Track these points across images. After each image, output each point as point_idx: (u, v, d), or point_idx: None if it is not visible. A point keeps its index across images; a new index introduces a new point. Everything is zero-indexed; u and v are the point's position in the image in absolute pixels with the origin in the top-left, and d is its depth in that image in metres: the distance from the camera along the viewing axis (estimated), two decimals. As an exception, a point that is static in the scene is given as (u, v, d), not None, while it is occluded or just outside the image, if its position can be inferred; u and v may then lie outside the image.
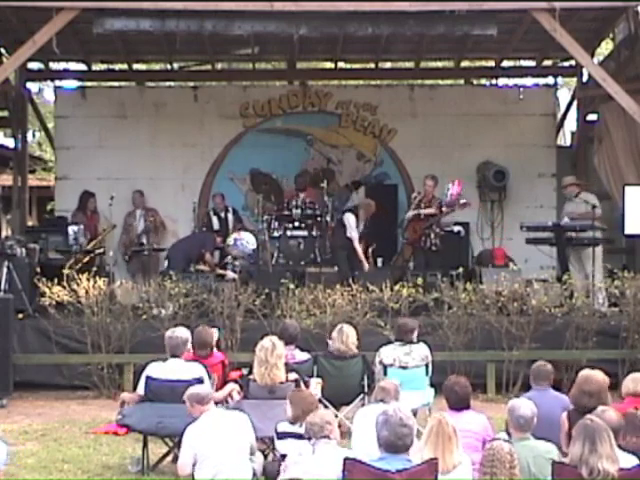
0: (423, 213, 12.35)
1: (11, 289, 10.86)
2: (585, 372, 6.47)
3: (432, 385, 8.40)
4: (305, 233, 13.02)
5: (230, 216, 13.73)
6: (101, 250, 12.90)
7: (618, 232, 11.84)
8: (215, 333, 8.37)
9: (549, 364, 6.96)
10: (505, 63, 15.95)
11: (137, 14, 10.84)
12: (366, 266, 12.31)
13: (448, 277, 10.98)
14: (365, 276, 11.39)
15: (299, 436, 5.98)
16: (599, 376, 6.37)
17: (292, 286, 10.48)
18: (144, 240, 13.67)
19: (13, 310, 10.30)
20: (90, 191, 13.93)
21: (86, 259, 12.23)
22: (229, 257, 12.68)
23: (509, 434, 5.76)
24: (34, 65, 15.22)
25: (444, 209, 12.34)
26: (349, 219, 12.44)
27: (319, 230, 13.00)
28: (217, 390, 7.51)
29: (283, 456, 5.99)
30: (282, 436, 6.26)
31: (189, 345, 7.56)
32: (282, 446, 6.19)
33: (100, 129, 14.76)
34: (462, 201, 12.22)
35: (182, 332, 7.48)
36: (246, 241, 12.38)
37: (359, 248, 12.31)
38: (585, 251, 11.76)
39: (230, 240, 12.50)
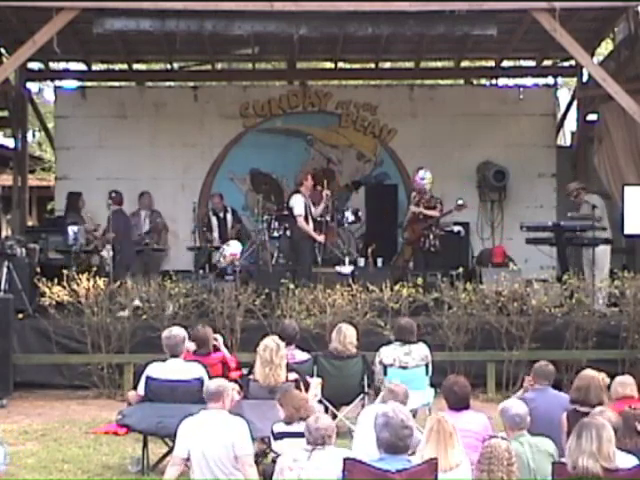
0: (424, 213, 12.33)
1: (11, 289, 10.87)
2: (582, 373, 6.52)
3: (432, 385, 8.40)
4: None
5: (229, 216, 13.73)
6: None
7: (618, 232, 11.84)
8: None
9: (551, 364, 6.96)
10: (505, 63, 15.96)
11: (137, 14, 10.84)
12: (320, 239, 12.17)
13: (448, 277, 10.99)
14: (365, 276, 11.39)
15: (296, 435, 5.98)
16: (591, 373, 6.43)
17: (292, 286, 10.48)
18: (148, 240, 13.66)
19: (13, 310, 10.31)
20: (77, 191, 13.87)
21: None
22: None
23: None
24: (34, 65, 15.22)
25: (414, 194, 12.44)
26: (293, 199, 12.22)
27: (319, 230, 12.97)
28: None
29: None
30: (279, 436, 6.24)
31: (187, 344, 7.56)
32: (279, 446, 6.18)
33: (100, 129, 14.77)
34: (459, 202, 12.25)
35: (179, 331, 7.48)
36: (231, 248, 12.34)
37: (305, 225, 12.04)
38: (596, 251, 11.70)
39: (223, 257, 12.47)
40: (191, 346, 7.94)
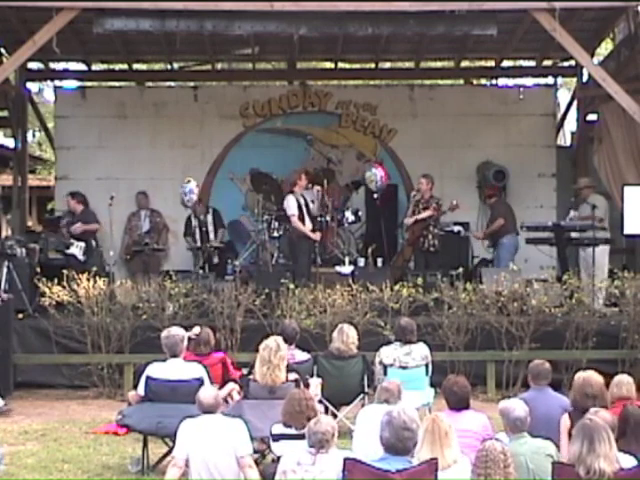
0: (417, 218, 12.38)
1: (11, 289, 10.86)
2: (582, 374, 6.42)
3: (432, 385, 8.41)
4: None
5: (209, 217, 13.65)
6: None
7: (618, 232, 11.84)
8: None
9: (547, 363, 6.93)
10: (505, 63, 15.94)
11: (137, 14, 10.84)
12: (315, 237, 12.22)
13: (448, 277, 10.99)
14: (365, 276, 11.39)
15: (294, 437, 5.97)
16: (597, 377, 6.36)
17: (292, 286, 10.48)
18: (148, 240, 13.65)
19: (13, 310, 10.31)
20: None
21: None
22: (228, 256, 12.77)
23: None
24: (34, 65, 15.24)
25: (413, 193, 12.68)
26: (286, 200, 12.31)
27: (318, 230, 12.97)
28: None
29: (280, 458, 5.95)
30: (276, 438, 6.23)
31: (186, 343, 7.55)
32: (278, 448, 6.17)
33: (100, 129, 14.75)
34: (453, 202, 12.30)
35: (177, 331, 7.49)
36: (186, 181, 12.61)
37: (300, 224, 12.12)
38: (595, 251, 11.68)
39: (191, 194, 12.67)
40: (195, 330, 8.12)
